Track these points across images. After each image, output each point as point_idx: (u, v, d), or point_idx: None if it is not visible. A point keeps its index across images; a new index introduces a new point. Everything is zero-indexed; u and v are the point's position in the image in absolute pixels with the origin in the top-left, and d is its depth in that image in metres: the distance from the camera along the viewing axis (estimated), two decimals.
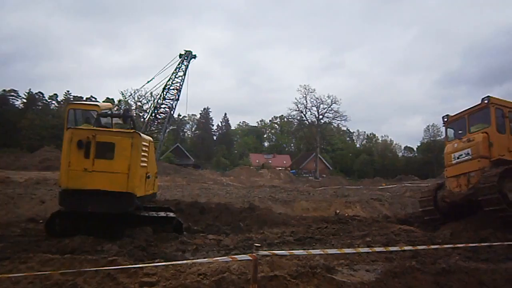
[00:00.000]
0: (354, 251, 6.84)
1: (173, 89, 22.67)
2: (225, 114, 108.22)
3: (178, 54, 23.75)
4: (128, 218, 9.81)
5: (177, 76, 22.89)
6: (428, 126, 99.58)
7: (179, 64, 23.26)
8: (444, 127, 15.26)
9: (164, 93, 22.40)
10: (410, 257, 8.35)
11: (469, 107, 13.82)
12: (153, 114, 21.83)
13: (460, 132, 14.22)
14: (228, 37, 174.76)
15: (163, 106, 22.10)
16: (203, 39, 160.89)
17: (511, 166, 11.93)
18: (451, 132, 14.95)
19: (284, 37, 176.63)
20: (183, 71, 23.24)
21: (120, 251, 7.76)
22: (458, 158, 13.44)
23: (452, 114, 14.50)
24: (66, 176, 9.30)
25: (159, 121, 20.96)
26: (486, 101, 12.84)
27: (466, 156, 13.10)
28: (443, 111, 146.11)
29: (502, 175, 11.50)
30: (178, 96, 22.61)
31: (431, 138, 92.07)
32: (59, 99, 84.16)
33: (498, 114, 12.96)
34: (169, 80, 22.55)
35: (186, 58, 23.74)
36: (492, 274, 7.83)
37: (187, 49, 24.75)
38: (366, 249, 6.95)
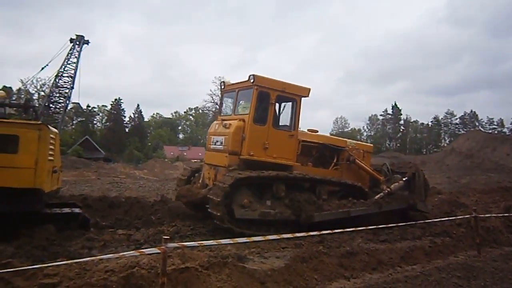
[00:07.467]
0: (263, 239, 7.02)
1: (67, 76, 21.44)
2: (138, 105, 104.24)
3: (69, 39, 22.46)
4: (27, 216, 9.00)
5: (69, 62, 21.65)
6: (337, 118, 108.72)
7: (70, 50, 22.02)
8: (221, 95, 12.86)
9: (57, 80, 21.14)
10: (318, 242, 8.85)
11: (240, 81, 11.48)
12: (46, 103, 20.49)
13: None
14: (144, 31, 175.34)
15: (56, 94, 20.82)
16: (118, 33, 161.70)
17: (246, 175, 9.89)
18: (230, 102, 12.36)
19: (199, 34, 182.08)
20: (76, 57, 22.05)
21: (16, 252, 7.10)
22: (215, 143, 11.42)
23: (230, 83, 12.31)
24: None
25: (52, 110, 19.69)
26: (251, 80, 10.59)
27: (220, 145, 11.09)
28: (347, 105, 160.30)
29: (234, 184, 9.58)
30: (73, 84, 21.40)
31: (340, 130, 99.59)
32: None
33: (262, 99, 10.74)
34: (61, 67, 21.29)
35: (78, 43, 22.53)
36: (389, 253, 8.62)
37: (78, 34, 23.48)
38: (274, 236, 7.17)
